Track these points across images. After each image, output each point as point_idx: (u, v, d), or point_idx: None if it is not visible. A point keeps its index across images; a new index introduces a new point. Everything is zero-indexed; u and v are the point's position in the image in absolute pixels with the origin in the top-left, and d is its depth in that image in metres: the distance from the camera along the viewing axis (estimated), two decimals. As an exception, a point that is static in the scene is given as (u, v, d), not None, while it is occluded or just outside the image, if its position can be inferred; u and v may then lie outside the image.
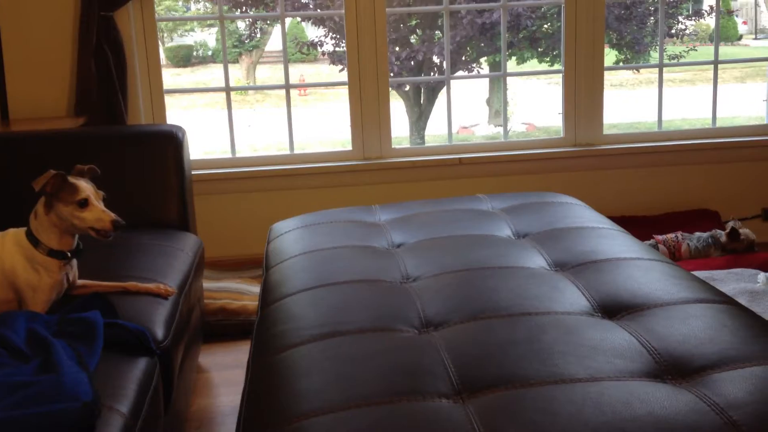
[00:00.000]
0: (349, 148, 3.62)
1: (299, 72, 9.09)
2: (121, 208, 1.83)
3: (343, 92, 3.63)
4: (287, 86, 3.68)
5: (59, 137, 2.67)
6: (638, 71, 9.84)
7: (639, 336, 1.40)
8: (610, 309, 1.54)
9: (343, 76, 3.61)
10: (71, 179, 1.74)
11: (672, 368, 1.30)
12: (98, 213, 1.72)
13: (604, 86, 3.66)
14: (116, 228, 1.73)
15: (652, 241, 3.27)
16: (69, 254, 1.79)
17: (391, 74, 3.64)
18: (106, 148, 2.60)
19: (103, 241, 1.75)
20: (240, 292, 3.04)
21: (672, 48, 8.70)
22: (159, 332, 1.76)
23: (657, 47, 4.58)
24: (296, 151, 3.74)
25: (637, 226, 3.36)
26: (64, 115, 3.23)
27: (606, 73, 3.67)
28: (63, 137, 2.68)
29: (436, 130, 7.23)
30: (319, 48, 7.85)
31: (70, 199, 1.72)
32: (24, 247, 1.76)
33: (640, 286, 1.63)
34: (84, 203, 1.72)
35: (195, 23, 8.29)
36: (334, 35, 7.34)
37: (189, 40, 8.85)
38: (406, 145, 3.44)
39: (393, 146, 3.62)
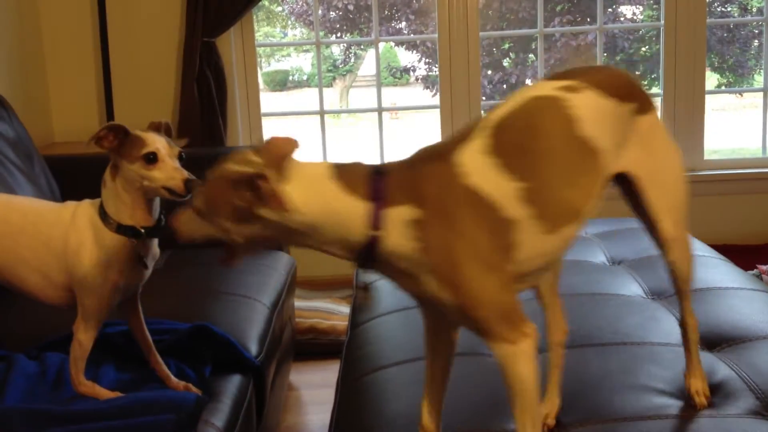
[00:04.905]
0: (441, 171, 3.62)
1: (391, 96, 9.20)
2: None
3: (435, 116, 3.65)
4: (380, 109, 3.73)
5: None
6: (741, 95, 9.48)
7: (739, 370, 1.34)
8: (710, 340, 1.49)
9: (436, 101, 3.63)
10: (137, 132, 1.44)
11: (776, 405, 1.24)
12: (169, 170, 1.40)
13: (706, 110, 3.55)
14: (189, 189, 1.39)
15: (755, 271, 3.13)
16: (143, 231, 1.44)
17: (483, 98, 3.63)
18: (206, 169, 2.68)
19: (178, 200, 1.39)
20: (330, 312, 3.08)
21: (778, 71, 8.34)
22: (253, 348, 1.80)
23: (761, 70, 4.41)
24: (388, 173, 3.78)
25: (740, 255, 3.22)
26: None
27: (707, 97, 3.56)
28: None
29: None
30: (411, 73, 7.91)
31: (135, 154, 1.40)
32: (94, 221, 1.45)
33: (742, 318, 1.56)
34: (152, 158, 1.40)
35: (292, 48, 8.50)
36: (427, 60, 7.38)
37: (285, 65, 9.12)
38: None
39: (484, 170, 3.61)
